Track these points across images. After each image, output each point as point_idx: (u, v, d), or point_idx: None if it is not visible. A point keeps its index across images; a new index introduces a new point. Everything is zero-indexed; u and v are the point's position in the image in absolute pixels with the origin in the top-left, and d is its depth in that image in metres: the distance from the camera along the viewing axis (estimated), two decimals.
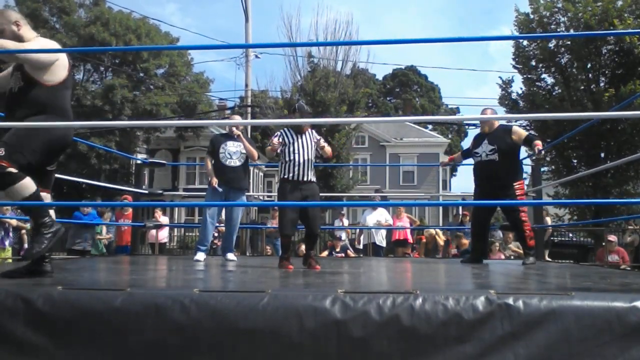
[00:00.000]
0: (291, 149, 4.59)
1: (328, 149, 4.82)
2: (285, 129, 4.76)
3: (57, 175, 3.53)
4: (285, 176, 4.57)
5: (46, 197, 3.12)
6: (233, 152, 5.50)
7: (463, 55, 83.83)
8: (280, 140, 4.62)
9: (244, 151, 5.54)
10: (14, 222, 8.17)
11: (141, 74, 25.34)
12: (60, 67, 3.07)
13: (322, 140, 4.75)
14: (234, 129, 5.59)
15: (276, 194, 4.72)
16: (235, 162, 5.49)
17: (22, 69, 3.04)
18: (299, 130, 4.67)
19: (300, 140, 4.63)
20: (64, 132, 3.08)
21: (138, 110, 23.73)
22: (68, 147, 3.30)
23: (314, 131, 4.80)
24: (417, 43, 3.67)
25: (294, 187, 4.54)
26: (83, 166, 22.58)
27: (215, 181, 5.42)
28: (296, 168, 4.55)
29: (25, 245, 8.84)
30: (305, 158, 4.60)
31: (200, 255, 5.32)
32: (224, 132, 5.83)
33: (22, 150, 2.87)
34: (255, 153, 5.66)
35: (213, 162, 5.54)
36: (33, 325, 2.15)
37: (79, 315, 2.17)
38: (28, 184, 2.86)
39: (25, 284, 2.51)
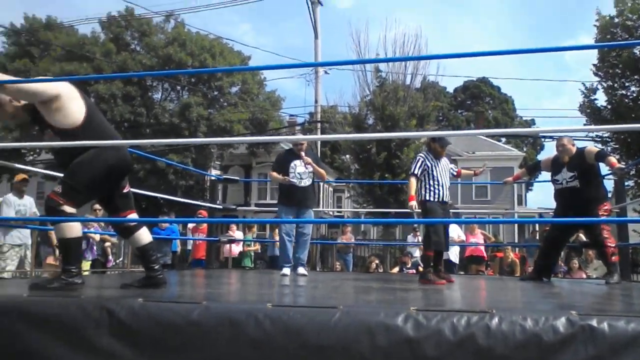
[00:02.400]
0: (434, 172, 4.98)
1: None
2: (425, 153, 5.11)
3: (136, 191, 3.69)
4: (430, 198, 4.92)
5: (134, 216, 3.32)
6: (302, 172, 5.58)
7: (537, 64, 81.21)
8: (421, 164, 4.98)
9: (311, 170, 5.61)
10: (97, 236, 8.64)
11: (215, 92, 26.22)
12: (69, 108, 3.01)
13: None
14: (305, 157, 5.57)
15: (411, 211, 4.98)
16: (305, 182, 5.59)
17: (41, 126, 3.08)
18: (437, 155, 5.07)
19: (440, 164, 5.03)
20: (116, 158, 3.11)
21: (212, 127, 24.53)
22: (127, 169, 3.30)
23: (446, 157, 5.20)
24: (489, 56, 3.59)
25: (438, 206, 4.93)
26: (161, 182, 23.55)
27: (287, 178, 5.50)
28: (441, 190, 4.96)
29: (110, 257, 9.35)
30: (446, 180, 5.05)
31: (286, 270, 5.44)
32: (289, 148, 5.90)
33: (77, 187, 2.99)
34: (324, 174, 5.76)
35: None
36: (117, 336, 2.24)
37: (159, 327, 2.24)
38: (74, 227, 3.04)
39: (110, 297, 2.64)
